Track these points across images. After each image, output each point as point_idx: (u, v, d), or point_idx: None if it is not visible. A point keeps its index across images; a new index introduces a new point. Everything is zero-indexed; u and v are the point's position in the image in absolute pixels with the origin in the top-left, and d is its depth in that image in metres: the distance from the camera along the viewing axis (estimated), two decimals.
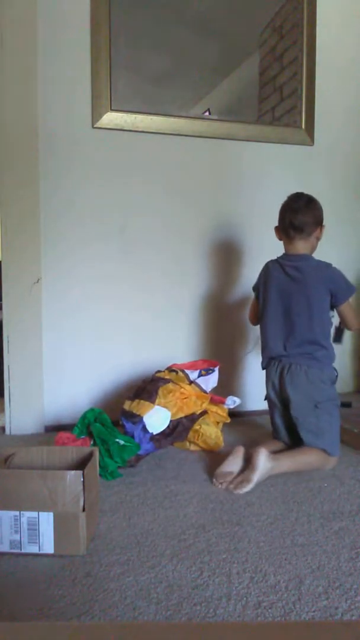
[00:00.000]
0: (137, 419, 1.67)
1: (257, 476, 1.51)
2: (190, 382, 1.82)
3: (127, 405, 1.75)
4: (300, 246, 1.77)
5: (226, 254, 2.33)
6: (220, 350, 2.34)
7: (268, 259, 2.37)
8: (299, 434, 1.71)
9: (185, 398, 1.75)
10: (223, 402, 1.91)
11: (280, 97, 2.37)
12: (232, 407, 1.94)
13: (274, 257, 1.88)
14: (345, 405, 2.26)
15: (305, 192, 2.48)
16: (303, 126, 2.38)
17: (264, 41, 2.33)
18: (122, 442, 1.62)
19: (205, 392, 1.84)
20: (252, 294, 1.98)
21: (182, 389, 1.76)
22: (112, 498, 1.45)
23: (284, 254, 1.82)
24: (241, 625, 0.64)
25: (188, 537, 1.24)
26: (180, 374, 1.83)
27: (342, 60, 2.45)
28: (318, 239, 1.80)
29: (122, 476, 1.61)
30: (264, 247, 2.37)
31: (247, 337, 2.35)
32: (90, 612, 0.95)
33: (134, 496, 1.47)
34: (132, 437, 1.66)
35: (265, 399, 1.84)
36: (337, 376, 1.79)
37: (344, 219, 2.51)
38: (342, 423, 1.97)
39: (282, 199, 2.35)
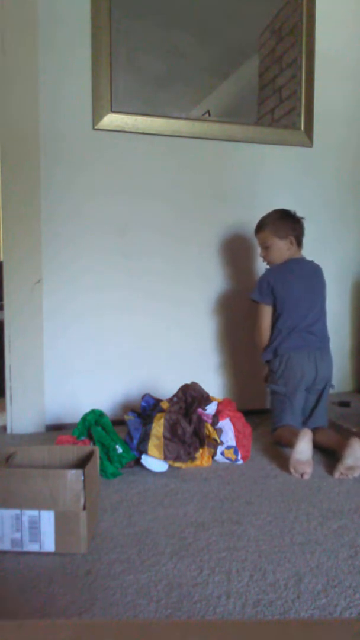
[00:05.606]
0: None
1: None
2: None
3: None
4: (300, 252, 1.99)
5: (227, 255, 2.34)
6: (222, 354, 2.35)
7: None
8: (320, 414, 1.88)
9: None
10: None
11: (279, 99, 2.38)
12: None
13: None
14: (344, 404, 2.27)
15: (305, 192, 2.51)
16: (302, 128, 2.39)
17: (263, 43, 2.34)
18: (120, 450, 1.63)
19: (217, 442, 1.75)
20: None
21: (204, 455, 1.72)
22: (113, 496, 1.46)
23: (298, 258, 1.96)
24: (241, 623, 0.65)
25: (188, 535, 1.24)
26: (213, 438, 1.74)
27: (341, 62, 2.46)
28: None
29: (122, 475, 1.62)
30: None
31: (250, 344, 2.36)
32: (91, 610, 0.96)
33: (134, 495, 1.48)
34: (133, 438, 1.67)
35: (283, 389, 1.88)
36: None
37: (342, 219, 2.52)
38: (342, 422, 1.99)
39: (282, 200, 2.37)
